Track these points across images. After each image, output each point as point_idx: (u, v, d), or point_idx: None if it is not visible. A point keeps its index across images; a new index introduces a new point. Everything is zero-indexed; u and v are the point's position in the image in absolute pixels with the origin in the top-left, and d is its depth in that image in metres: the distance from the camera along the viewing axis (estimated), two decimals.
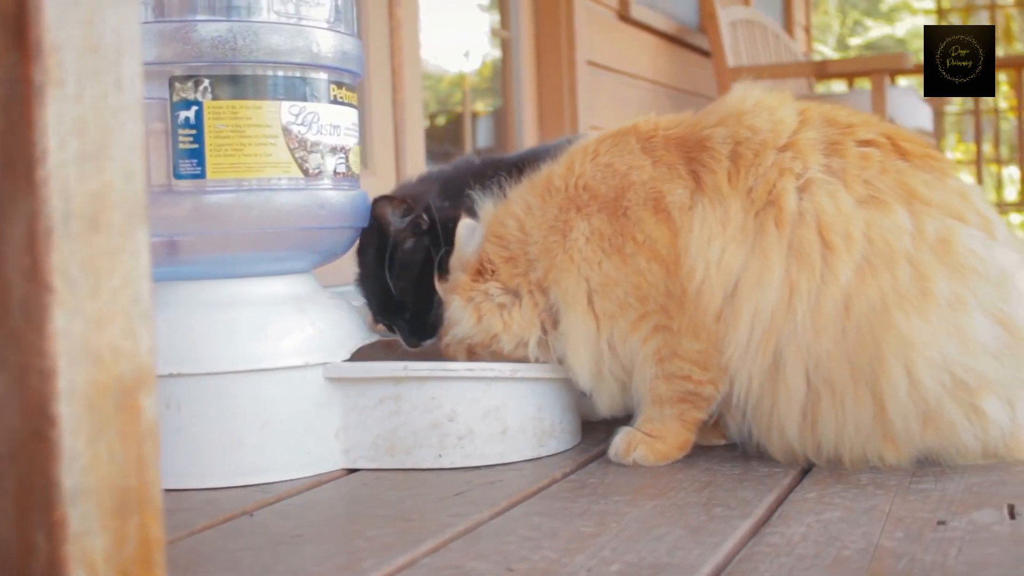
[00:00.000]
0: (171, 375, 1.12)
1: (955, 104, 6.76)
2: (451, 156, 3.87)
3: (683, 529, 0.93)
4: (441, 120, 4.10)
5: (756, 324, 1.08)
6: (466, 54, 4.06)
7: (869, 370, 1.06)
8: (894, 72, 4.68)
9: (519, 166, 1.33)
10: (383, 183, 3.05)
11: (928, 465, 1.11)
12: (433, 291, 1.30)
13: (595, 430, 1.33)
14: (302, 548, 0.93)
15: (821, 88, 6.78)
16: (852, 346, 1.06)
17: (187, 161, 1.12)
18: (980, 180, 6.46)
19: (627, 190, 1.15)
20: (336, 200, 1.20)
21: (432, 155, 3.76)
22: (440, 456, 1.18)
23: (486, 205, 1.25)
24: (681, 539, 0.91)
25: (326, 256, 1.25)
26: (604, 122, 3.76)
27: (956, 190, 1.12)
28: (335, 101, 1.20)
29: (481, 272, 1.22)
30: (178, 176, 1.12)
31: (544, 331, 1.20)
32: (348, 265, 1.53)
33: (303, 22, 1.17)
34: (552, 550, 0.89)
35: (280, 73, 1.15)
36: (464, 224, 1.25)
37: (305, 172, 1.17)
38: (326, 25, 1.19)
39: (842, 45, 12.97)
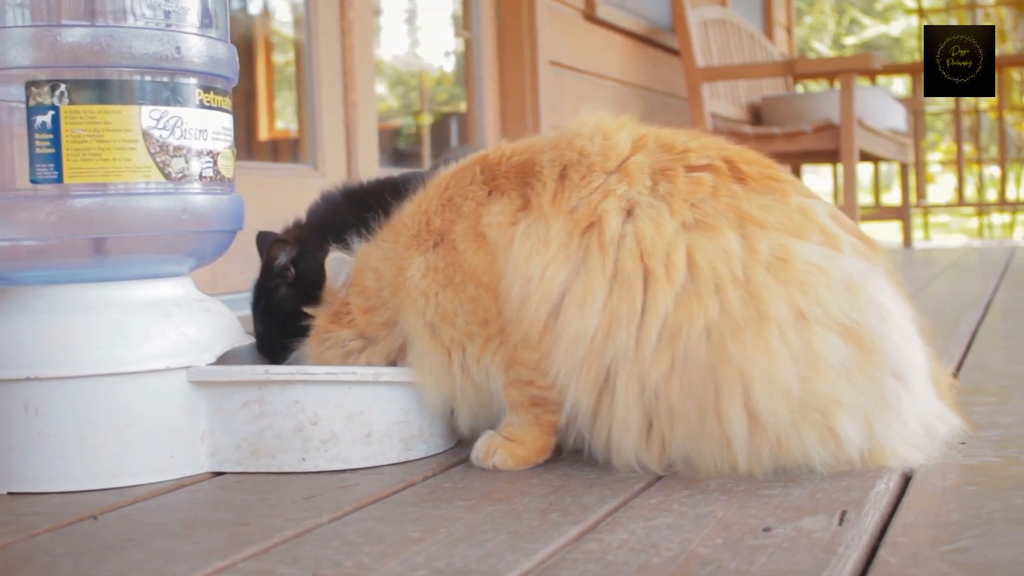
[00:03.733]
0: (28, 379, 1.12)
1: (935, 104, 6.73)
2: (411, 156, 3.88)
3: (507, 535, 0.94)
4: (403, 120, 4.11)
5: (578, 346, 1.07)
6: (446, 54, 4.06)
7: (713, 406, 1.04)
8: (862, 72, 4.67)
9: (377, 195, 1.35)
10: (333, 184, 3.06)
11: (784, 469, 1.10)
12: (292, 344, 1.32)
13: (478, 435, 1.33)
14: (127, 552, 0.93)
15: (817, 87, 6.76)
16: (692, 378, 1.04)
17: (44, 165, 1.12)
18: (961, 180, 6.44)
19: (456, 222, 1.16)
20: (201, 204, 1.20)
21: (394, 155, 3.76)
22: (304, 460, 1.18)
23: (358, 250, 1.26)
24: (501, 545, 0.91)
25: (197, 260, 1.26)
26: (568, 122, 3.76)
27: (797, 208, 1.10)
28: (203, 105, 1.20)
29: (338, 318, 1.23)
30: (35, 180, 1.13)
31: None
32: None
33: (170, 27, 1.17)
34: (368, 556, 0.89)
35: (140, 77, 1.15)
36: (332, 258, 1.25)
37: (167, 176, 1.17)
38: (193, 30, 1.20)
39: (837, 44, 12.93)
